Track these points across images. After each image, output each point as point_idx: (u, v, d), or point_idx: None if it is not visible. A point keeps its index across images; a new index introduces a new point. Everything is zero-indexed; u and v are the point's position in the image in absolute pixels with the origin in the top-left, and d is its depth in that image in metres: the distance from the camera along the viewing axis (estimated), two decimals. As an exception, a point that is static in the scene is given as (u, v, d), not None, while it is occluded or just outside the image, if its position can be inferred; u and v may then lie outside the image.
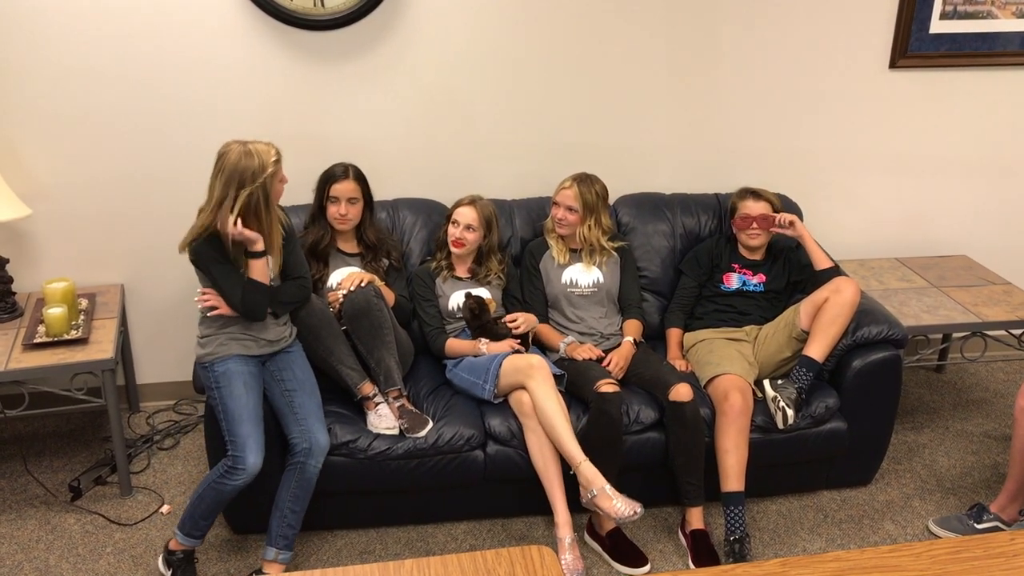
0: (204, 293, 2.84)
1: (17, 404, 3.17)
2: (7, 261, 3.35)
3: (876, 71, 3.78)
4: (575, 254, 3.38)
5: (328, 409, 2.99)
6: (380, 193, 3.42)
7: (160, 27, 3.31)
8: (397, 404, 3.00)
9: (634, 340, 3.29)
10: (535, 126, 3.67)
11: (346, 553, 3.03)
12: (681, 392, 2.98)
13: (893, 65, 3.77)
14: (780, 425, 3.06)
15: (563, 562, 2.88)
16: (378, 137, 3.59)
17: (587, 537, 3.08)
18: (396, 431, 2.96)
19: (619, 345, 3.27)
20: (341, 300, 3.03)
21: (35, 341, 3.13)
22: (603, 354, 3.23)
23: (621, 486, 2.88)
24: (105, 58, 3.32)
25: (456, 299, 3.27)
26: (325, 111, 3.52)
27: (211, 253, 2.74)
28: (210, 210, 2.71)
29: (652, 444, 3.06)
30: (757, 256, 3.46)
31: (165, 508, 3.22)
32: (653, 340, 3.49)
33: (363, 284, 3.02)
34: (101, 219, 3.53)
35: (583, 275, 3.36)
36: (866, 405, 3.19)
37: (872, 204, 4.01)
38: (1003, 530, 3.03)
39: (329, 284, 3.20)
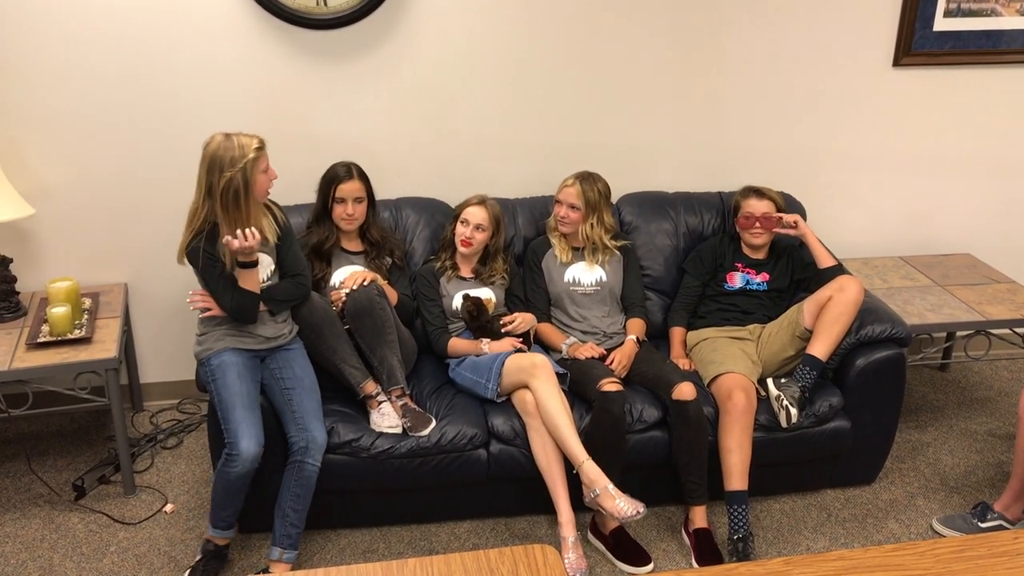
0: (195, 294, 2.87)
1: (21, 403, 3.17)
2: (11, 260, 3.36)
3: (880, 69, 3.78)
4: (578, 252, 3.38)
5: (331, 408, 3.00)
6: (383, 192, 3.42)
7: (164, 26, 3.31)
8: (400, 403, 3.00)
9: (637, 339, 3.28)
10: (538, 125, 3.67)
11: (349, 552, 3.04)
12: (684, 391, 2.97)
13: (897, 63, 3.76)
14: (784, 424, 3.05)
15: (566, 561, 2.88)
16: (381, 136, 3.59)
17: (590, 536, 3.08)
18: (399, 430, 2.96)
19: (622, 344, 3.27)
20: (344, 299, 3.03)
21: (39, 340, 3.13)
22: (605, 352, 3.23)
23: (624, 485, 2.88)
24: (108, 58, 3.32)
25: (459, 299, 3.27)
26: (328, 110, 3.52)
27: (205, 256, 2.76)
28: (200, 203, 2.74)
29: (655, 443, 3.06)
30: (760, 255, 3.46)
31: (169, 507, 3.22)
32: (656, 339, 3.49)
33: (366, 283, 3.02)
34: (104, 218, 3.54)
35: (586, 274, 3.36)
36: (870, 404, 3.18)
37: (876, 202, 4.01)
38: (1007, 529, 3.02)
39: (332, 283, 3.20)
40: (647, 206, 3.64)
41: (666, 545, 3.07)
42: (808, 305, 3.19)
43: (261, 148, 2.74)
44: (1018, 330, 3.65)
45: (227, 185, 2.68)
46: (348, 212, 3.16)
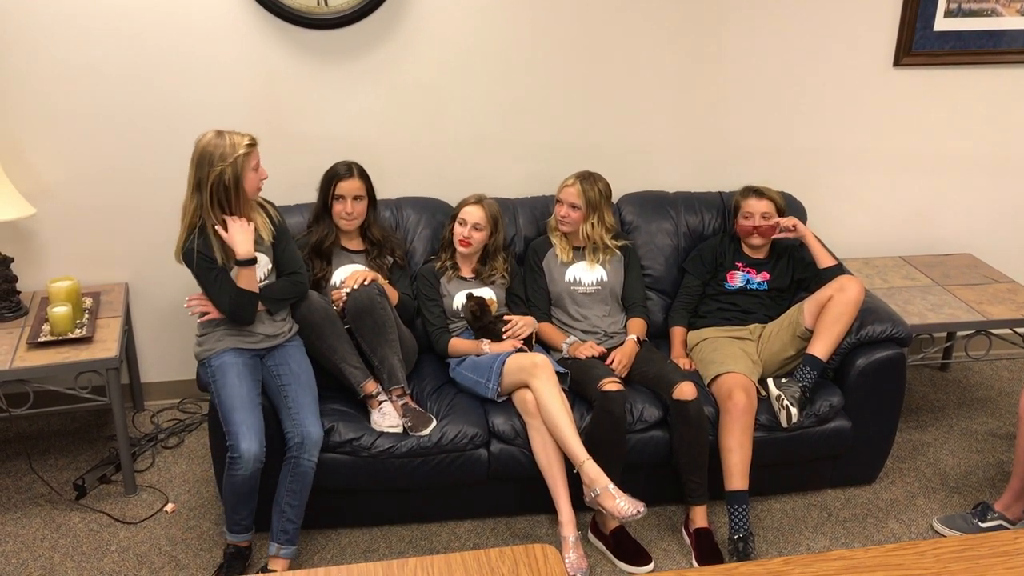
0: (192, 299, 2.87)
1: (22, 403, 3.17)
2: (11, 260, 3.36)
3: (880, 69, 3.78)
4: (578, 252, 3.38)
5: (331, 407, 3.00)
6: (384, 192, 3.42)
7: (164, 26, 3.31)
8: (401, 402, 3.00)
9: (637, 338, 3.29)
10: (538, 125, 3.67)
11: (350, 552, 3.04)
12: (685, 391, 2.97)
13: (897, 63, 3.76)
14: (784, 424, 3.05)
15: (567, 561, 2.88)
16: (382, 136, 3.59)
17: (591, 536, 3.08)
18: (400, 429, 2.97)
19: (623, 343, 3.27)
20: (345, 298, 3.03)
21: (39, 340, 3.13)
22: (606, 351, 3.23)
23: (625, 485, 2.88)
24: (108, 57, 3.33)
25: (460, 299, 3.27)
26: (328, 110, 3.53)
27: (201, 257, 2.77)
28: (190, 197, 2.76)
29: (656, 443, 3.06)
30: (761, 254, 3.46)
31: (169, 507, 3.22)
32: (657, 339, 3.49)
33: (367, 282, 3.02)
34: (105, 218, 3.54)
35: (586, 273, 3.36)
36: (870, 404, 3.18)
37: (876, 202, 4.01)
38: (1007, 529, 3.02)
39: (333, 282, 3.20)
40: (648, 206, 3.64)
41: (666, 545, 3.07)
42: (808, 305, 3.19)
43: (252, 145, 2.75)
44: (1019, 330, 3.65)
45: (217, 179, 2.69)
46: (347, 211, 3.16)
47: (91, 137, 3.42)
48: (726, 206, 3.64)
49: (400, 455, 2.94)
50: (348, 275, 3.11)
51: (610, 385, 2.95)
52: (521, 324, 3.22)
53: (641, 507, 2.77)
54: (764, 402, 3.11)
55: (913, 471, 3.47)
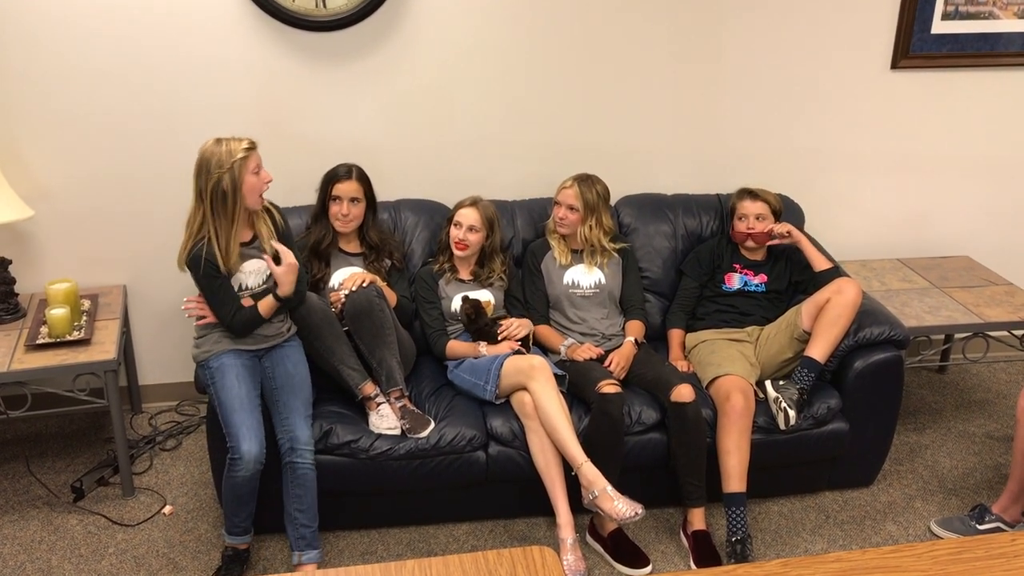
0: (190, 301, 2.87)
1: (20, 405, 3.17)
2: (10, 262, 3.36)
3: (878, 71, 3.78)
4: (577, 255, 3.39)
5: (329, 409, 3.00)
6: (382, 194, 3.42)
7: (163, 28, 3.32)
8: (399, 404, 3.00)
9: (635, 340, 3.29)
10: (537, 127, 3.67)
11: (348, 554, 3.04)
12: (683, 393, 2.98)
13: (895, 65, 3.77)
14: (782, 426, 3.06)
15: (565, 563, 2.88)
16: (380, 138, 3.59)
17: (589, 538, 3.08)
18: (398, 431, 2.97)
19: (621, 346, 3.27)
20: (343, 300, 3.03)
21: (38, 342, 3.13)
22: (604, 353, 3.23)
23: (623, 487, 2.88)
24: (107, 59, 3.33)
25: (458, 301, 3.27)
26: (327, 112, 3.53)
27: (208, 265, 2.76)
28: (195, 208, 2.75)
29: (654, 445, 3.06)
30: (758, 256, 3.47)
31: (167, 509, 3.22)
32: (655, 341, 3.49)
33: (365, 284, 3.02)
34: (103, 220, 3.54)
35: (585, 276, 3.36)
36: (868, 406, 3.19)
37: (874, 205, 4.01)
38: (1005, 531, 3.02)
39: (331, 284, 3.21)
40: (646, 208, 3.64)
41: (664, 547, 3.07)
42: (806, 307, 3.19)
43: (251, 149, 2.74)
44: (1016, 332, 3.65)
45: (215, 186, 2.69)
46: (343, 212, 3.16)
47: (90, 139, 3.42)
48: (724, 208, 3.65)
49: (398, 457, 2.94)
50: (347, 277, 3.11)
51: (608, 387, 2.96)
52: (516, 325, 3.22)
53: (639, 509, 2.78)
54: (762, 404, 3.11)
55: (911, 473, 3.47)
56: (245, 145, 2.73)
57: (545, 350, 3.33)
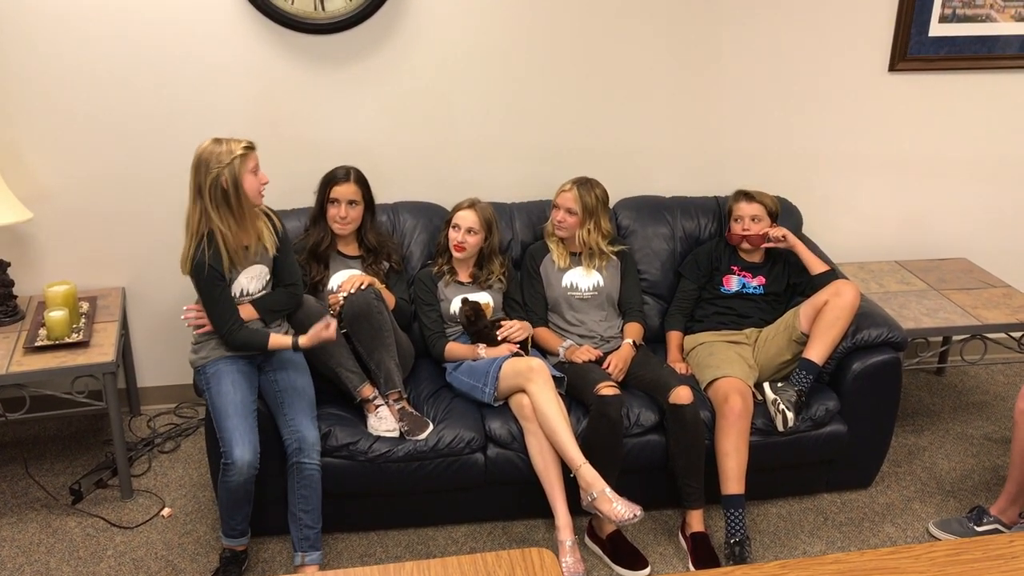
0: (190, 310, 2.86)
1: (18, 407, 3.17)
2: (8, 264, 3.36)
3: (875, 74, 3.79)
4: (575, 258, 3.39)
5: (328, 411, 3.00)
6: (381, 196, 3.42)
7: (162, 30, 3.32)
8: (397, 407, 3.00)
9: (634, 342, 3.29)
10: (535, 130, 3.68)
11: (346, 555, 3.04)
12: (681, 395, 2.98)
13: (892, 68, 3.78)
14: (780, 428, 3.06)
15: (563, 565, 2.88)
16: (379, 140, 3.60)
17: (587, 540, 3.08)
18: (396, 433, 2.97)
19: (619, 348, 3.28)
20: (341, 302, 3.04)
21: (36, 344, 3.13)
22: (602, 355, 3.23)
23: (621, 489, 2.89)
24: (106, 62, 3.33)
25: (457, 304, 3.27)
26: (326, 114, 3.53)
27: (212, 272, 2.74)
28: (193, 206, 2.74)
29: (652, 447, 3.06)
30: (756, 259, 3.47)
31: (166, 511, 3.22)
32: (653, 343, 3.49)
33: (363, 287, 3.02)
34: (102, 222, 3.54)
35: (583, 279, 3.37)
36: (866, 408, 3.19)
37: (872, 207, 4.02)
38: (1003, 532, 3.02)
39: (330, 287, 3.21)
40: (644, 211, 3.64)
41: (663, 549, 3.07)
42: (804, 309, 3.20)
43: (249, 148, 2.74)
44: (1014, 334, 3.66)
45: (214, 182, 2.68)
46: (341, 215, 3.16)
47: (89, 141, 3.42)
48: (722, 211, 3.65)
49: (397, 459, 2.95)
50: (345, 280, 3.11)
51: (607, 389, 2.96)
52: (517, 328, 3.22)
53: (638, 511, 2.78)
54: (760, 406, 3.11)
55: (909, 475, 3.48)
56: (244, 144, 2.73)
57: (544, 352, 3.33)
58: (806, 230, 3.76)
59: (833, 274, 3.29)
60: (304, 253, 3.20)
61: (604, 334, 3.35)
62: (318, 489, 2.82)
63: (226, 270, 2.77)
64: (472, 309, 3.20)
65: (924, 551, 1.99)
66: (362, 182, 3.22)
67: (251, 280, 2.88)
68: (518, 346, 3.20)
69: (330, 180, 3.19)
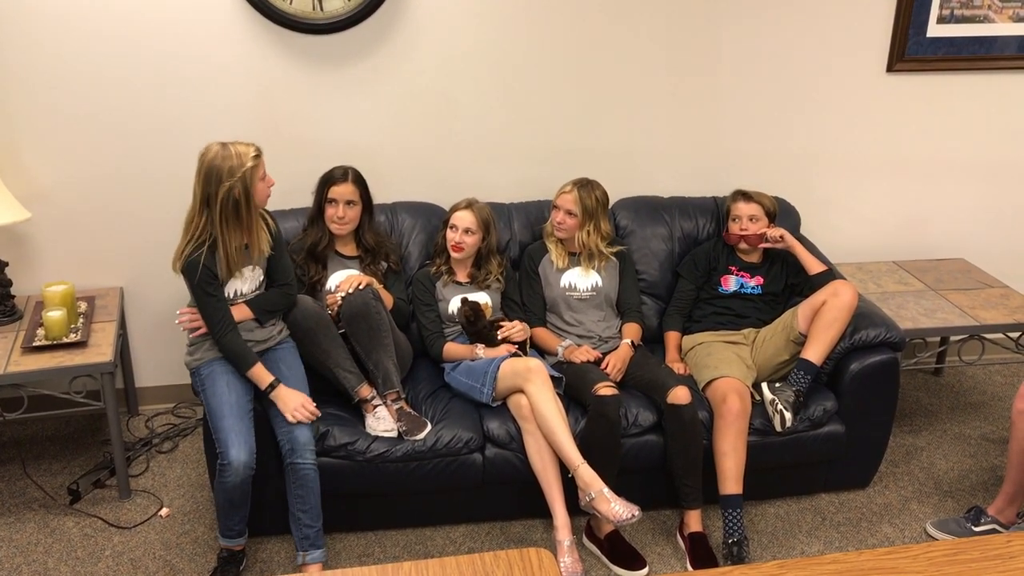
0: (184, 313, 2.86)
1: (16, 407, 3.17)
2: (6, 264, 3.36)
3: (874, 75, 3.79)
4: (574, 258, 3.39)
5: (326, 411, 3.00)
6: (379, 196, 3.42)
7: (160, 31, 3.32)
8: (395, 407, 3.00)
9: (632, 343, 3.29)
10: (533, 130, 3.68)
11: (344, 556, 3.04)
12: (679, 395, 2.98)
13: (890, 69, 3.78)
14: (778, 428, 3.06)
15: (562, 565, 2.89)
16: (377, 141, 3.60)
17: (586, 540, 3.08)
18: (394, 434, 2.97)
19: (617, 348, 3.28)
20: (339, 303, 3.04)
21: (34, 344, 3.13)
22: (601, 356, 3.23)
23: (619, 489, 2.89)
24: (104, 62, 3.33)
25: (455, 304, 3.27)
26: (324, 115, 3.53)
27: (206, 272, 2.74)
28: (197, 213, 2.72)
29: (650, 447, 3.06)
30: (754, 259, 3.47)
31: (164, 511, 3.22)
32: (651, 343, 3.50)
33: (361, 287, 3.02)
34: (100, 222, 3.54)
35: (581, 279, 3.37)
36: (864, 408, 3.19)
37: (870, 207, 4.02)
38: (1000, 533, 3.03)
39: (328, 287, 3.21)
40: (642, 211, 3.65)
41: (661, 549, 3.07)
42: (802, 309, 3.20)
43: (258, 156, 2.73)
44: (1011, 335, 3.66)
45: (226, 196, 2.66)
46: (339, 215, 3.16)
47: (87, 141, 3.42)
48: (720, 211, 3.65)
49: (395, 459, 2.94)
50: (343, 280, 3.11)
51: (605, 389, 2.96)
52: (518, 328, 3.22)
53: (636, 511, 2.78)
54: (758, 406, 3.12)
55: (907, 475, 3.48)
56: (253, 153, 2.71)
57: (542, 352, 3.33)
58: (804, 230, 3.77)
59: (831, 274, 3.29)
60: (302, 253, 3.20)
61: (602, 334, 3.35)
62: (315, 488, 2.82)
63: (223, 273, 2.77)
64: (472, 309, 3.20)
65: (922, 551, 2.00)
66: (360, 182, 3.22)
67: (245, 281, 2.88)
68: (516, 346, 3.20)
69: (328, 180, 3.18)
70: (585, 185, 3.31)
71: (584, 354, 3.20)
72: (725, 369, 3.12)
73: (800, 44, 3.70)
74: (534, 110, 3.65)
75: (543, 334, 3.34)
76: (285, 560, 3.00)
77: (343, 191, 3.16)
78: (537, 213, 3.58)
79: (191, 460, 3.52)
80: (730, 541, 2.96)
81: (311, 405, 2.83)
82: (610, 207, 3.58)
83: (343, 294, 3.02)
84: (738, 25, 3.64)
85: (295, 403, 2.81)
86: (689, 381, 3.19)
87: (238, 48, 3.39)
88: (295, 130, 3.53)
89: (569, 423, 2.95)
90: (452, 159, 3.67)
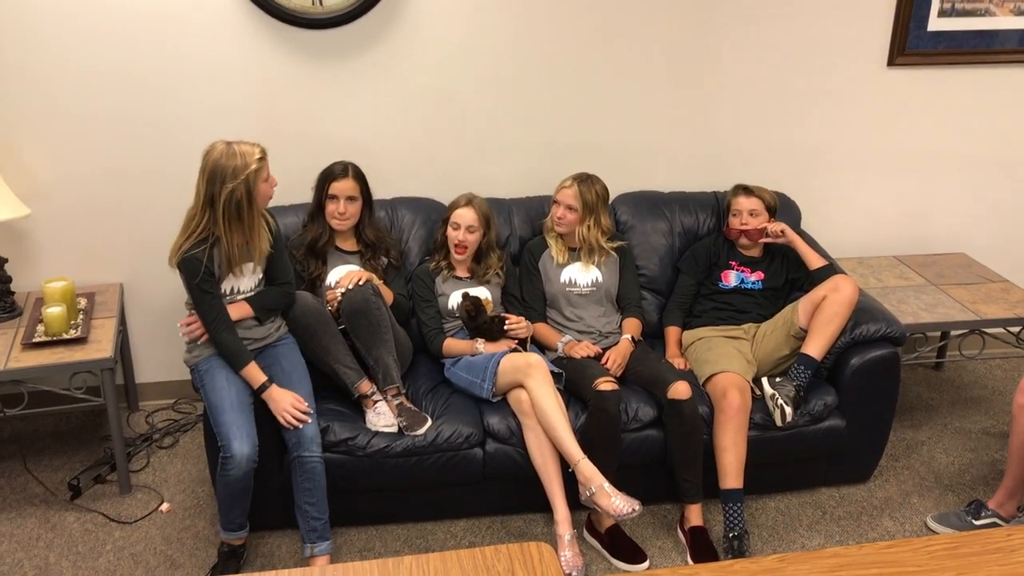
0: (187, 323, 2.86)
1: (16, 403, 3.17)
2: (6, 260, 3.36)
3: (874, 69, 3.79)
4: (574, 253, 3.39)
5: (326, 407, 3.00)
6: (378, 192, 3.42)
7: (159, 26, 3.31)
8: (396, 402, 3.00)
9: (632, 338, 3.29)
10: (533, 125, 3.67)
11: (346, 550, 3.04)
12: (680, 390, 2.98)
13: (891, 63, 3.77)
14: (778, 423, 3.06)
15: (562, 559, 2.89)
16: (376, 136, 3.59)
17: (586, 534, 3.09)
18: (395, 429, 2.97)
19: (618, 343, 3.28)
20: (339, 298, 3.03)
21: (34, 340, 3.13)
22: (601, 351, 3.23)
23: (620, 483, 2.89)
24: (103, 57, 3.32)
25: (456, 299, 3.27)
26: (323, 110, 3.53)
27: (205, 275, 2.73)
28: (200, 211, 2.72)
29: (651, 442, 3.06)
30: (755, 254, 3.47)
31: (164, 506, 3.22)
32: (652, 338, 3.49)
33: (361, 282, 3.02)
34: (100, 218, 3.54)
35: (582, 274, 3.37)
36: (864, 403, 3.19)
37: (870, 202, 4.02)
38: (1001, 526, 3.03)
39: (328, 282, 3.20)
40: (642, 206, 3.64)
41: (662, 543, 3.07)
42: (803, 304, 3.20)
43: (263, 158, 2.73)
44: (1012, 329, 3.66)
45: (229, 197, 2.66)
46: (339, 211, 3.16)
47: (86, 137, 3.42)
48: (720, 206, 3.65)
49: (395, 455, 2.95)
50: (343, 275, 3.11)
51: (605, 384, 2.96)
52: (523, 325, 3.22)
53: (636, 505, 2.78)
54: (759, 401, 3.12)
55: (907, 469, 3.48)
56: (258, 155, 2.70)
57: (542, 348, 3.33)
58: (804, 225, 3.76)
59: (831, 269, 3.29)
60: (302, 249, 3.19)
61: (603, 330, 3.35)
62: (322, 481, 2.83)
63: (222, 271, 2.77)
64: (473, 304, 3.20)
65: (922, 545, 2.00)
66: (360, 178, 3.21)
67: (243, 279, 2.88)
68: (516, 342, 3.20)
69: (328, 176, 3.18)
70: (585, 180, 3.30)
71: (584, 349, 3.19)
72: (725, 364, 3.12)
73: (801, 38, 3.69)
74: (534, 105, 3.65)
75: (543, 330, 3.34)
76: (286, 554, 3.00)
77: (344, 187, 3.15)
78: (537, 208, 3.57)
79: (191, 455, 3.52)
80: (731, 535, 2.96)
81: (302, 405, 2.82)
82: (610, 202, 3.58)
83: (343, 290, 3.02)
84: (738, 19, 3.63)
85: (285, 403, 2.81)
86: (689, 376, 3.19)
87: (237, 43, 3.38)
88: (294, 125, 3.53)
89: (569, 418, 2.95)
90: (452, 154, 3.67)
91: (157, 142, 3.47)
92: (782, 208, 3.55)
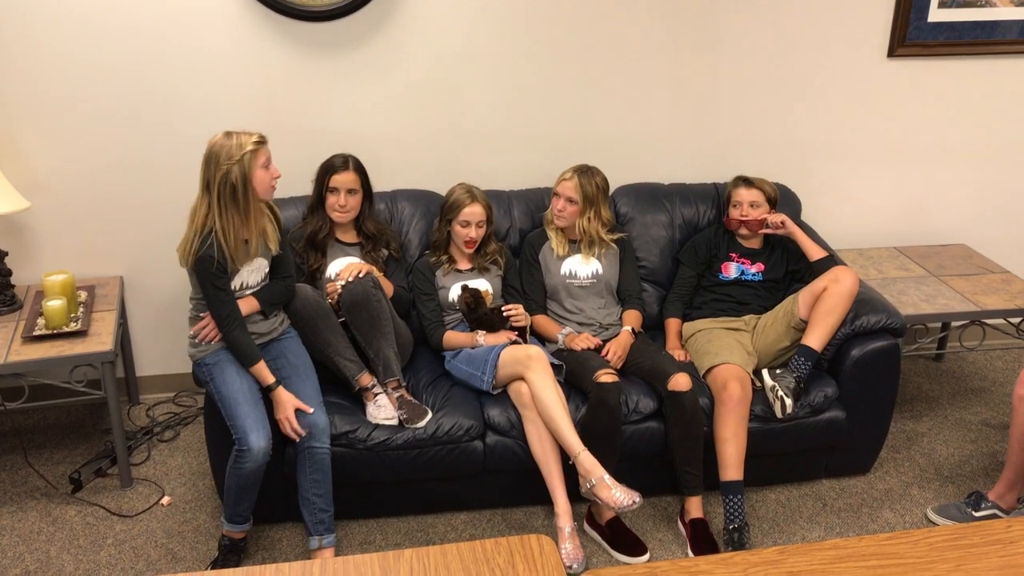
0: (203, 328, 2.84)
1: (17, 397, 3.17)
2: (6, 254, 3.35)
3: (875, 60, 3.78)
4: (574, 245, 3.38)
5: (327, 399, 3.00)
6: (378, 184, 3.42)
7: (158, 19, 3.30)
8: (396, 395, 3.00)
9: (632, 330, 3.29)
10: (533, 117, 3.67)
11: (346, 543, 3.04)
12: (680, 382, 2.98)
13: (892, 54, 3.77)
14: (779, 414, 3.06)
15: (563, 551, 2.89)
16: (376, 128, 3.59)
17: (587, 526, 3.09)
18: (395, 422, 2.97)
19: (618, 335, 3.28)
20: (340, 291, 3.03)
21: (35, 334, 3.13)
22: (601, 343, 3.23)
23: (620, 475, 2.89)
24: (102, 50, 3.32)
25: (456, 291, 3.27)
26: (323, 102, 3.52)
27: (218, 270, 2.72)
28: (200, 199, 2.71)
29: (651, 434, 3.07)
30: (755, 245, 3.47)
31: (165, 500, 3.23)
32: (652, 330, 3.49)
33: (361, 275, 3.01)
34: (100, 211, 3.53)
35: (582, 267, 3.36)
36: (865, 394, 3.19)
37: (871, 193, 4.01)
38: (1001, 517, 3.03)
39: (328, 275, 3.20)
40: (643, 198, 3.64)
41: (662, 535, 3.08)
42: (803, 296, 3.19)
43: (260, 143, 2.72)
44: (1012, 320, 3.66)
45: (223, 178, 2.65)
46: (340, 203, 3.15)
47: (86, 130, 3.41)
48: (721, 198, 3.64)
49: (396, 447, 2.95)
50: (343, 268, 3.11)
51: (605, 376, 2.96)
52: (521, 311, 3.22)
53: (636, 497, 2.78)
54: (759, 393, 3.12)
55: (907, 461, 3.48)
56: (255, 139, 2.70)
57: (542, 340, 3.33)
58: (805, 216, 3.76)
59: (832, 260, 3.28)
60: (302, 241, 3.19)
61: (603, 322, 3.35)
62: (329, 473, 2.84)
63: (231, 264, 2.76)
64: (472, 296, 3.19)
65: (922, 536, 2.00)
66: (361, 170, 3.21)
67: (251, 273, 2.88)
68: (516, 334, 3.20)
69: (329, 169, 3.17)
70: (585, 172, 3.30)
71: (584, 341, 3.19)
72: (726, 356, 3.12)
73: (801, 29, 3.68)
74: (534, 97, 3.64)
75: (543, 322, 3.34)
76: (287, 547, 3.00)
77: (344, 179, 3.15)
78: (537, 200, 3.57)
79: (192, 449, 3.53)
80: (731, 527, 2.97)
81: (295, 423, 2.81)
82: (610, 194, 3.57)
83: (343, 282, 3.02)
84: (738, 11, 3.62)
85: (289, 410, 2.81)
86: (690, 368, 3.19)
87: (236, 36, 3.37)
88: (294, 118, 3.52)
89: (570, 410, 2.95)
90: (452, 147, 3.66)
91: (157, 135, 3.46)
92: (782, 199, 3.54)
